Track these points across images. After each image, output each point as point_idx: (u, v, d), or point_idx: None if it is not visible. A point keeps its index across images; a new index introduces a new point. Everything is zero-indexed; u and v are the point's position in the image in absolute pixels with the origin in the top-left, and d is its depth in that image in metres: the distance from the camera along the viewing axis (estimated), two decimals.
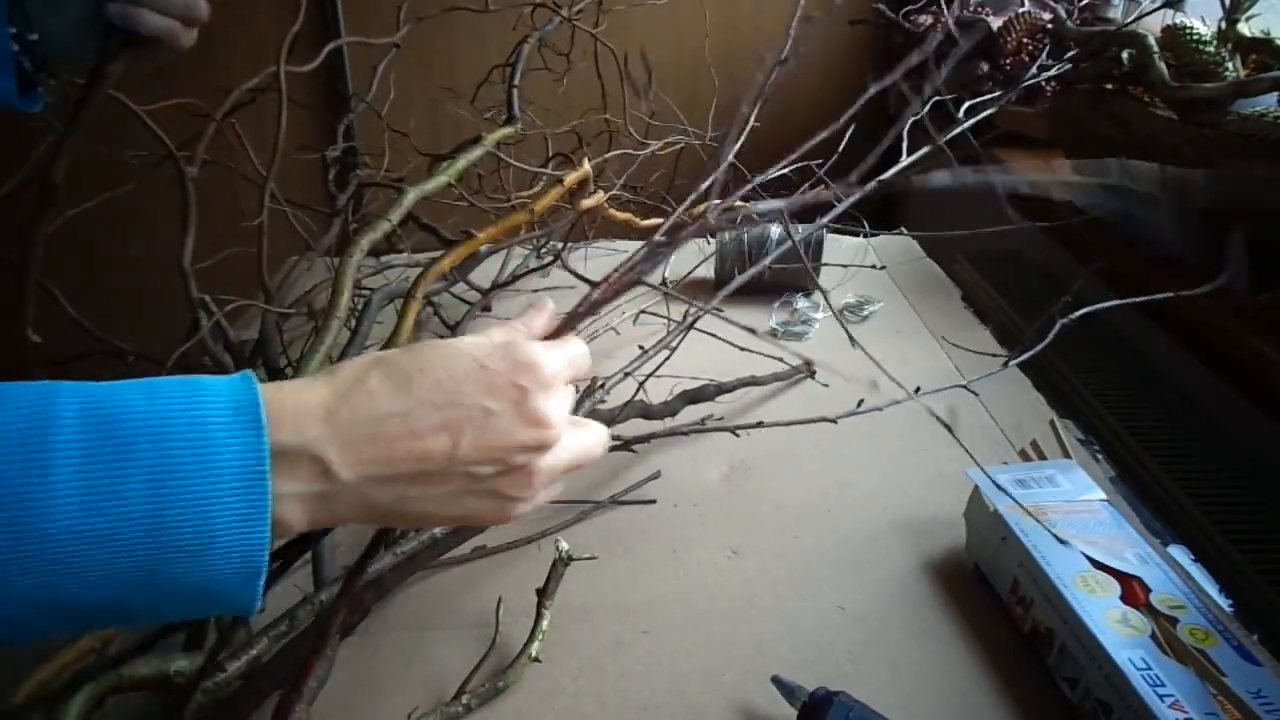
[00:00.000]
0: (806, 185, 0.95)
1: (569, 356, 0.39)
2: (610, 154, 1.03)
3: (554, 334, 0.42)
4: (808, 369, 0.86)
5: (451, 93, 1.09)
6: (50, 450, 0.28)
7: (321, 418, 0.33)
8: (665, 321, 0.84)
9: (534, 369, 0.36)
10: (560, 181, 0.76)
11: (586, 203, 0.90)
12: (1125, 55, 0.86)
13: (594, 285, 0.44)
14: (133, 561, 0.29)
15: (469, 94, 1.05)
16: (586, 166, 0.78)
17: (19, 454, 0.28)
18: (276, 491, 0.31)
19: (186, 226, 0.70)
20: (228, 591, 0.31)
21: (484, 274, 1.04)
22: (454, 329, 0.91)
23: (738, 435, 0.69)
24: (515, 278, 1.04)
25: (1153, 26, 0.84)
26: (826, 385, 0.84)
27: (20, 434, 0.28)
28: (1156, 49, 0.80)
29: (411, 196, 0.69)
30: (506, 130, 0.75)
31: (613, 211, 0.98)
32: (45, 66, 0.60)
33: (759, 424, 0.67)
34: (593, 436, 0.41)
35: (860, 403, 0.67)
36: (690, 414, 0.76)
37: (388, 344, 0.55)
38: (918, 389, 0.67)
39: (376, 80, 1.03)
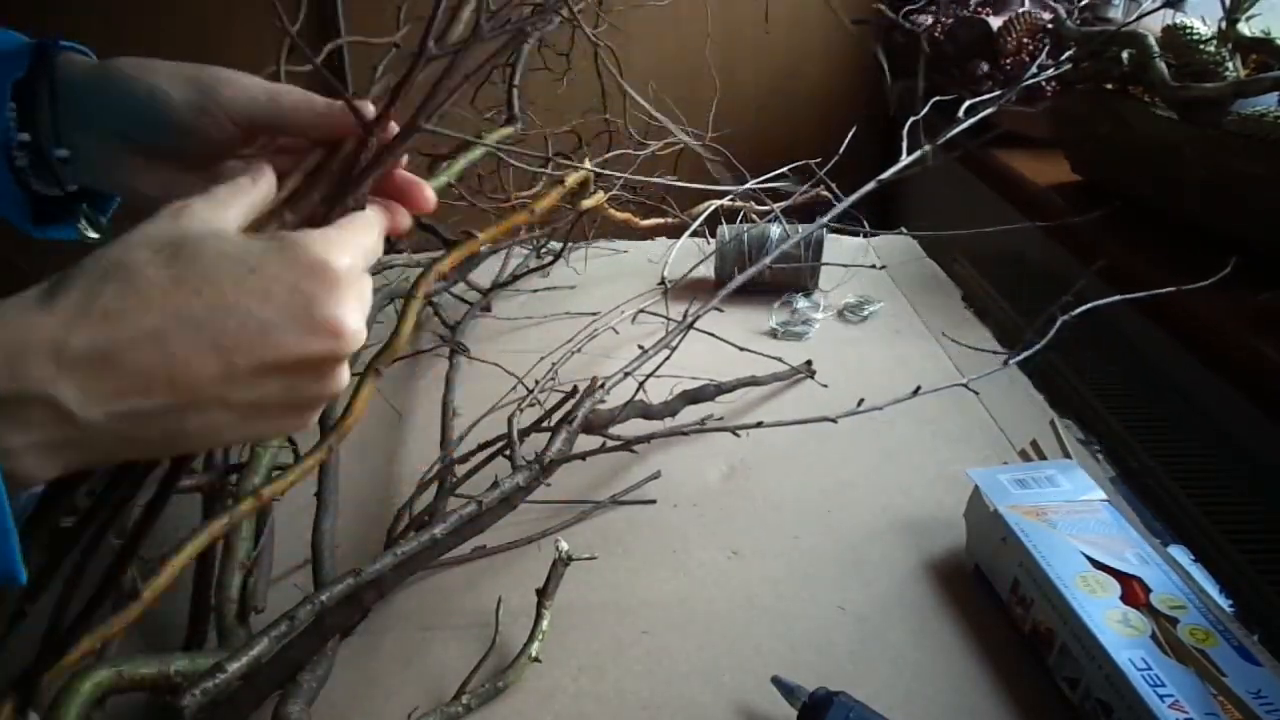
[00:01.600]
0: (808, 185, 0.95)
1: (361, 244, 0.33)
2: (610, 154, 1.03)
3: (330, 211, 0.35)
4: (807, 369, 0.86)
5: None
6: None
7: (47, 353, 0.27)
8: (664, 321, 0.83)
9: (320, 269, 0.30)
10: (561, 182, 0.76)
11: (586, 203, 0.90)
12: (1125, 55, 0.86)
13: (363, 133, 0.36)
14: None
15: (469, 94, 1.05)
16: (588, 167, 0.78)
17: None
18: (4, 447, 0.26)
19: None
20: None
21: (486, 272, 1.05)
22: (454, 328, 0.91)
23: (738, 435, 0.69)
24: (515, 277, 1.04)
25: (1153, 26, 0.84)
26: (825, 385, 0.84)
27: None
28: (1157, 49, 0.80)
29: None
30: (506, 130, 0.75)
31: (612, 211, 0.98)
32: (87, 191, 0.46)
33: (759, 424, 0.67)
34: (375, 251, 0.34)
35: (860, 402, 0.67)
36: (690, 414, 0.76)
37: (387, 347, 0.54)
38: (918, 388, 0.67)
39: (377, 80, 1.02)
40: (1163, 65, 0.79)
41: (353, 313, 0.31)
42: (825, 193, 0.87)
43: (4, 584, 0.28)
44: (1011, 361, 0.66)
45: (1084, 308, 0.64)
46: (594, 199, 0.92)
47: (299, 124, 0.40)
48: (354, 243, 0.32)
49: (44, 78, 0.43)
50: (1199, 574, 0.56)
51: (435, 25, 0.36)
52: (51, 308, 0.27)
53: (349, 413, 0.52)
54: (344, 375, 0.32)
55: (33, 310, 0.27)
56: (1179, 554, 0.57)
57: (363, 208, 0.35)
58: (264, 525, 0.61)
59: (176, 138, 0.40)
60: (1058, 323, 0.64)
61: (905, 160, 0.84)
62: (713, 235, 1.04)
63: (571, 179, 0.76)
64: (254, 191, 0.34)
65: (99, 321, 0.27)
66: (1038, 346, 0.64)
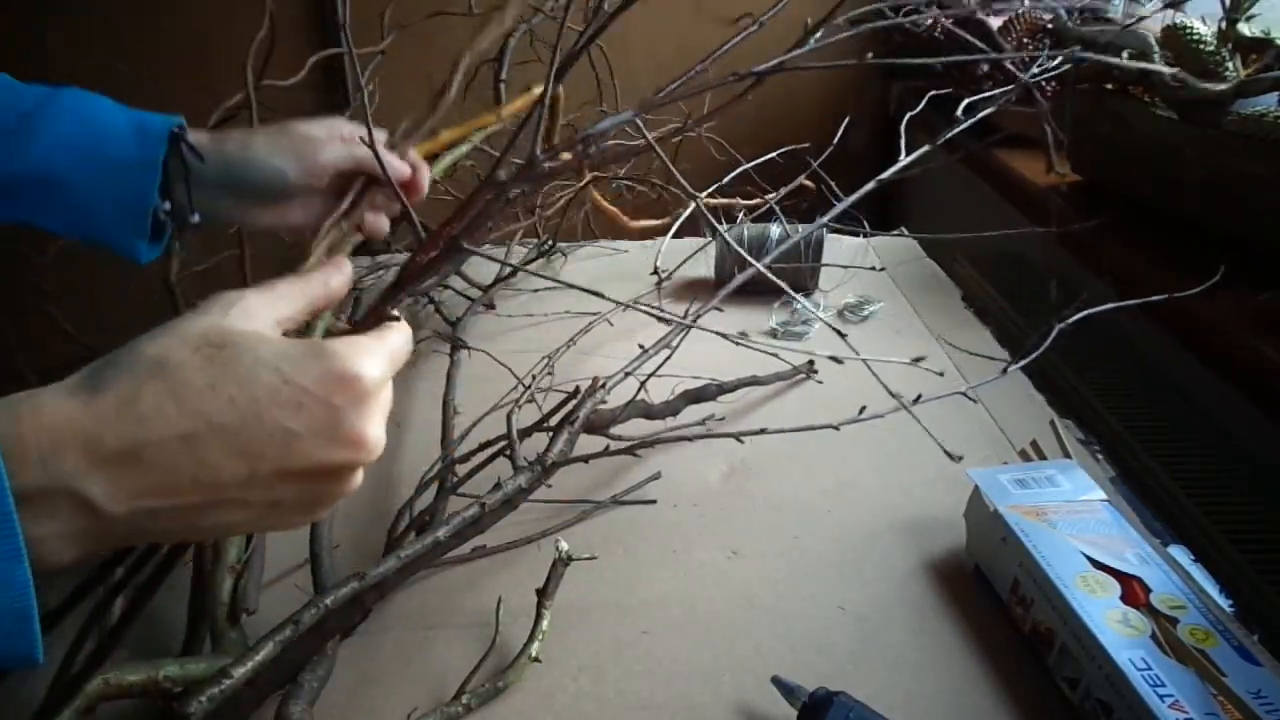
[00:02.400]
0: (801, 177, 0.95)
1: (390, 354, 0.34)
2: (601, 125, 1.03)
3: (369, 317, 0.36)
4: (809, 369, 0.86)
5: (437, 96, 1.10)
6: None
7: (81, 449, 0.28)
8: (664, 321, 0.83)
9: (351, 383, 0.32)
10: (529, 88, 0.76)
11: (565, 155, 0.90)
12: (1125, 55, 0.86)
13: (417, 249, 0.39)
14: None
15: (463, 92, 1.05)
16: (559, 89, 0.78)
17: None
18: (31, 535, 0.27)
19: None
20: (2, 640, 0.27)
21: (487, 272, 1.05)
22: (455, 325, 0.91)
23: (741, 442, 0.69)
24: (513, 271, 1.04)
25: (1153, 26, 0.84)
26: (821, 382, 0.84)
27: None
28: (1157, 49, 0.80)
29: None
30: (494, 126, 0.75)
31: (598, 196, 0.98)
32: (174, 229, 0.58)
33: (762, 430, 0.67)
34: (402, 358, 0.36)
35: (862, 410, 0.67)
36: (692, 414, 0.76)
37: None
38: (918, 397, 0.67)
39: (365, 84, 1.02)
40: (1163, 65, 0.79)
41: (376, 426, 0.33)
42: (825, 192, 0.86)
43: (23, 667, 0.28)
44: (1012, 369, 0.66)
45: (1082, 314, 0.64)
46: (567, 158, 0.92)
47: (367, 168, 0.58)
48: (385, 353, 0.34)
49: (177, 155, 0.55)
50: (1199, 574, 0.56)
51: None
52: (89, 402, 0.28)
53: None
54: (359, 479, 0.34)
55: (70, 402, 0.28)
56: (1179, 554, 0.57)
57: (398, 318, 0.37)
58: None
59: (290, 194, 0.57)
60: (1054, 331, 0.63)
61: (906, 159, 0.84)
62: (712, 234, 1.04)
63: (537, 89, 0.76)
64: (317, 292, 0.37)
65: (134, 423, 0.28)
66: (1036, 354, 0.64)
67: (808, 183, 0.96)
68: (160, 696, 0.46)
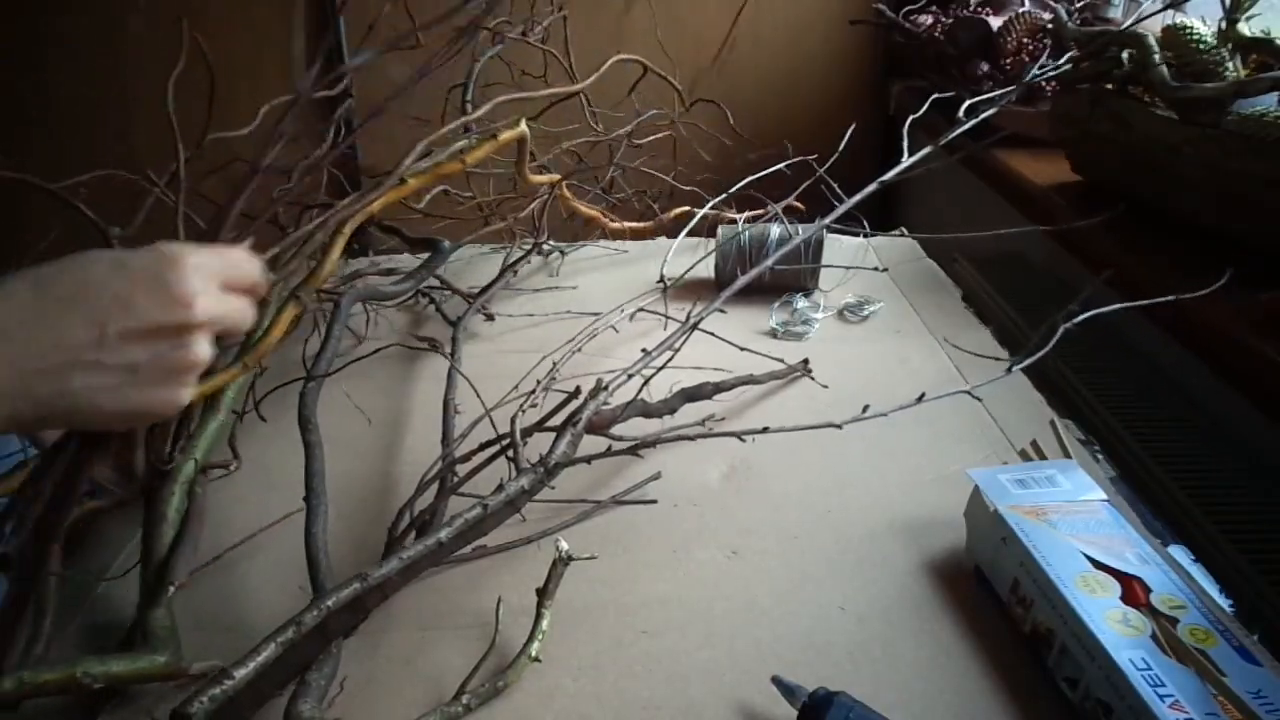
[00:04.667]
0: (809, 183, 0.95)
1: (223, 256, 0.42)
2: (576, 141, 1.03)
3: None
4: (804, 368, 0.86)
5: (421, 120, 1.10)
6: None
7: None
8: (663, 319, 0.83)
9: (175, 258, 0.40)
10: (494, 137, 0.76)
11: (538, 179, 0.90)
12: (1125, 55, 0.86)
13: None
14: None
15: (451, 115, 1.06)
16: (522, 126, 0.78)
17: None
18: None
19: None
20: None
21: (488, 273, 1.05)
22: (455, 324, 0.91)
23: (744, 440, 0.69)
24: (504, 271, 1.04)
25: (1152, 26, 0.84)
26: (826, 386, 0.84)
27: None
28: (1157, 49, 0.80)
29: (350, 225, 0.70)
30: (460, 143, 0.76)
31: (566, 194, 0.98)
32: None
33: (764, 429, 0.67)
34: (246, 310, 0.44)
35: (866, 408, 0.67)
36: (691, 413, 0.76)
37: (311, 276, 0.61)
38: (922, 395, 0.67)
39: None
40: (1163, 66, 0.79)
41: (202, 293, 0.40)
42: (826, 193, 0.87)
43: None
44: (1015, 369, 0.66)
45: (1085, 315, 0.64)
46: (547, 177, 0.92)
47: None
48: (214, 253, 0.42)
49: None
50: (1199, 574, 0.56)
51: None
52: None
53: (268, 334, 0.59)
54: (202, 346, 0.41)
55: None
56: (1179, 554, 0.57)
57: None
58: (192, 505, 0.60)
59: None
60: (1059, 331, 0.63)
61: (908, 161, 0.84)
62: (712, 235, 1.04)
63: (505, 135, 0.76)
64: (233, 254, 0.44)
65: (4, 305, 0.37)
66: (1040, 354, 0.64)
67: (797, 204, 0.97)
68: (81, 694, 0.46)
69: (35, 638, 0.50)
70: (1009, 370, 0.65)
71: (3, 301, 0.37)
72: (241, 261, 0.44)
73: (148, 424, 0.44)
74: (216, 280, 0.42)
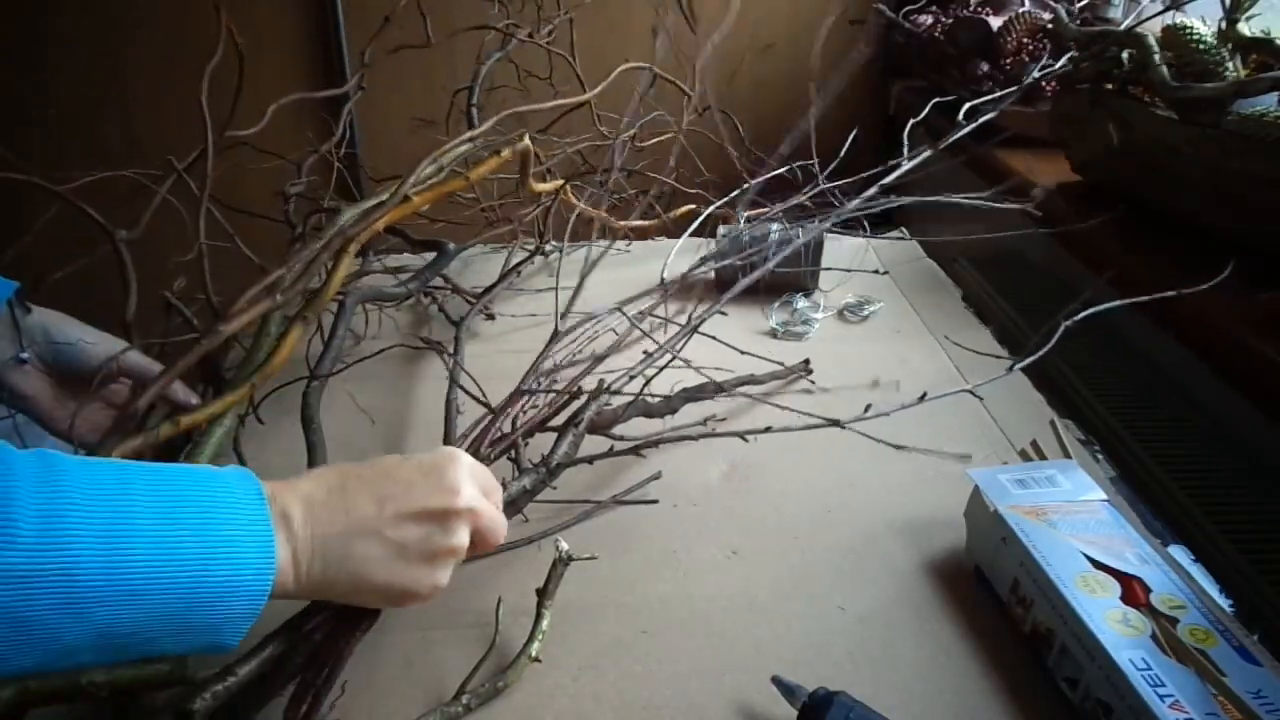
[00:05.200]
0: (809, 190, 0.95)
1: (487, 479, 0.50)
2: (581, 143, 1.03)
3: None
4: (804, 368, 0.86)
5: (424, 123, 1.10)
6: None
7: (287, 490, 0.43)
8: (665, 321, 0.83)
9: (453, 456, 0.47)
10: (498, 152, 0.77)
11: (542, 187, 0.90)
12: (1125, 55, 0.86)
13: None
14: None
15: (456, 116, 1.06)
16: (526, 141, 0.78)
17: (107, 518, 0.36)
18: (276, 536, 0.41)
19: (127, 284, 0.70)
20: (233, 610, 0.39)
21: (489, 273, 1.05)
22: (458, 324, 0.92)
23: (746, 440, 0.69)
24: (507, 273, 1.04)
25: (1152, 26, 0.84)
26: (821, 389, 0.84)
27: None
28: (1157, 49, 0.80)
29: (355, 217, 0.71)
30: (465, 148, 0.76)
31: (571, 198, 0.98)
32: None
33: (767, 429, 0.67)
34: (500, 520, 0.49)
35: (868, 408, 0.67)
36: (693, 414, 0.76)
37: (316, 296, 0.65)
38: (924, 395, 0.67)
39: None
40: (1163, 66, 0.79)
41: (469, 485, 0.46)
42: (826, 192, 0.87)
43: (215, 651, 0.40)
44: (1016, 368, 0.66)
45: (1087, 312, 0.64)
46: (551, 185, 0.93)
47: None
48: (482, 470, 0.49)
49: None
50: (1199, 574, 0.56)
51: None
52: (305, 477, 0.45)
53: (275, 353, 0.62)
54: (462, 534, 0.46)
55: (293, 478, 0.45)
56: (1179, 554, 0.57)
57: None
58: None
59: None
60: (1060, 329, 0.63)
61: (908, 164, 0.84)
62: (712, 235, 1.04)
63: (507, 151, 0.76)
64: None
65: (319, 480, 0.45)
66: (1041, 353, 0.64)
67: (804, 201, 0.96)
68: (87, 701, 0.46)
69: None
70: (1010, 369, 0.66)
71: (319, 480, 0.44)
72: (498, 499, 0.51)
73: (407, 605, 0.46)
74: (482, 484, 0.48)
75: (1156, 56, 0.79)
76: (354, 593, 0.44)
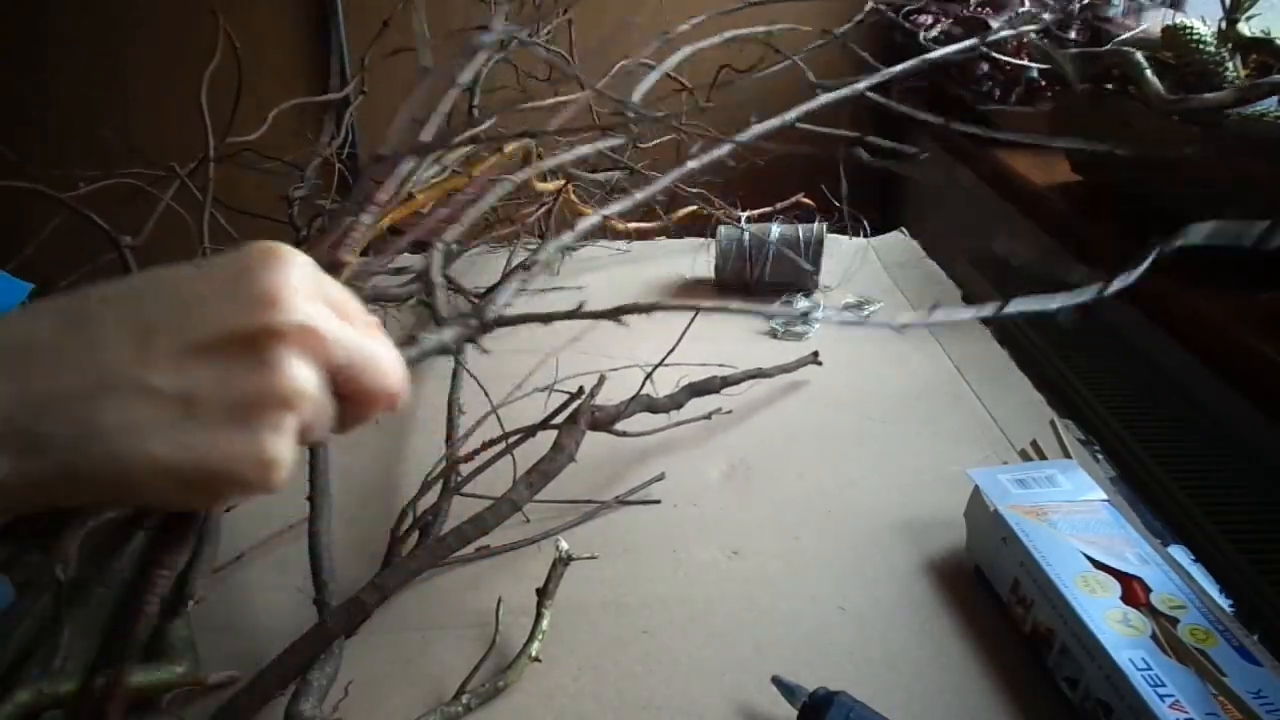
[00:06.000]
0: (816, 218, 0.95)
1: (323, 275, 0.29)
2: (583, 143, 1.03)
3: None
4: (814, 359, 0.86)
5: (422, 124, 1.11)
6: None
7: None
8: (666, 321, 0.83)
9: (270, 252, 0.28)
10: (500, 150, 0.77)
11: (545, 186, 0.90)
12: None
13: None
14: None
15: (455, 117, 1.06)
16: (528, 140, 0.78)
17: None
18: None
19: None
20: None
21: (490, 273, 1.05)
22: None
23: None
24: (510, 273, 1.04)
25: (1152, 29, 0.84)
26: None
27: None
28: (1145, 65, 0.80)
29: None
30: (465, 149, 0.76)
31: (573, 197, 0.98)
32: None
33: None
34: (382, 349, 0.30)
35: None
36: (697, 409, 0.76)
37: None
38: (935, 305, 0.65)
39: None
40: (1154, 80, 0.78)
41: (299, 293, 0.27)
42: (826, 193, 0.87)
43: None
44: (1108, 292, 0.56)
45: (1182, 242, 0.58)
46: (554, 184, 0.93)
47: None
48: (328, 280, 0.29)
49: None
50: (1199, 574, 0.56)
51: None
52: (16, 311, 0.27)
53: None
54: (292, 367, 0.27)
55: (7, 314, 0.27)
56: (1179, 554, 0.57)
57: None
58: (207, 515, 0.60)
59: None
60: (1154, 254, 0.56)
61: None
62: (712, 235, 1.04)
63: (511, 147, 0.76)
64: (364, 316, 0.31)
65: (31, 316, 0.26)
66: (1138, 273, 0.55)
67: (806, 200, 0.97)
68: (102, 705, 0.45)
69: (52, 650, 0.50)
70: (1100, 293, 0.56)
71: (38, 314, 0.26)
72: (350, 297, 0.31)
73: (226, 499, 0.28)
74: (327, 297, 0.29)
75: (1147, 72, 0.79)
76: (120, 486, 0.26)
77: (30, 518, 0.30)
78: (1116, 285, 0.52)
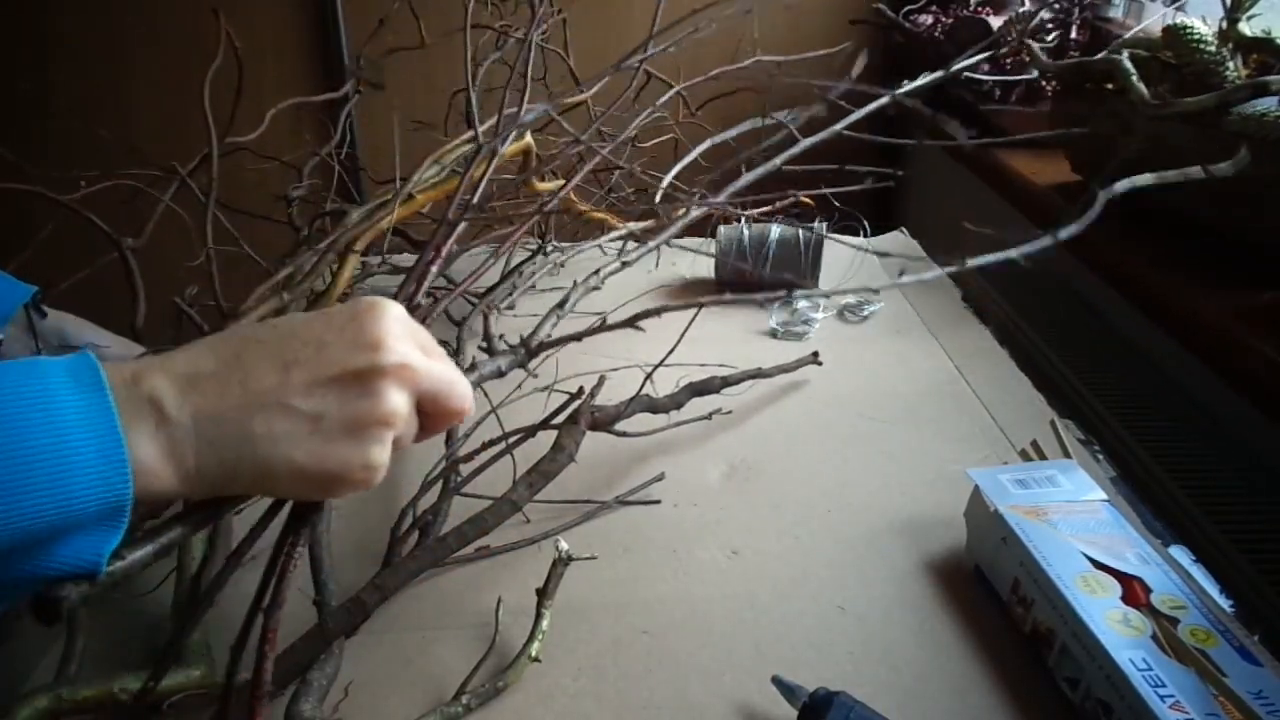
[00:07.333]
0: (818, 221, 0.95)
1: (417, 327, 0.39)
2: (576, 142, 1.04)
3: None
4: (814, 358, 0.86)
5: (424, 125, 1.11)
6: None
7: (158, 368, 0.34)
8: (666, 320, 0.83)
9: (376, 305, 0.37)
10: (496, 152, 0.77)
11: (545, 186, 0.90)
12: (1126, 55, 0.86)
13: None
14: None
15: (454, 117, 1.06)
16: (527, 139, 0.78)
17: None
18: (124, 424, 0.31)
19: (135, 291, 0.70)
20: (86, 528, 0.31)
21: (490, 274, 1.04)
22: (460, 324, 0.92)
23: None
24: (509, 273, 1.04)
25: (1152, 29, 0.84)
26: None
27: None
28: (1132, 70, 0.80)
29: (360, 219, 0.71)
30: (466, 148, 0.76)
31: (573, 197, 0.98)
32: None
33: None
34: (457, 377, 0.39)
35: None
36: (696, 411, 0.76)
37: (323, 295, 0.63)
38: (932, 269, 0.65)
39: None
40: (1141, 86, 0.78)
41: (396, 338, 0.36)
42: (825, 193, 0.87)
43: (88, 567, 0.32)
44: (1061, 237, 0.57)
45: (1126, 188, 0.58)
46: (554, 185, 0.93)
47: None
48: (417, 325, 0.39)
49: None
50: (1199, 574, 0.56)
51: None
52: (186, 348, 0.36)
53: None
54: (392, 397, 0.36)
55: (166, 352, 0.35)
56: (1179, 554, 0.57)
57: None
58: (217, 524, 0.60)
59: None
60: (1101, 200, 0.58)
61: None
62: (712, 235, 1.04)
63: (510, 148, 0.76)
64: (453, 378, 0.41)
65: (196, 350, 0.35)
66: (1088, 219, 0.57)
67: (806, 200, 0.96)
68: (120, 710, 0.45)
69: (69, 656, 0.50)
70: (1053, 239, 0.57)
71: (203, 351, 0.35)
72: (433, 350, 0.40)
73: (340, 492, 0.37)
74: (416, 338, 0.38)
75: (1134, 79, 0.79)
76: (266, 482, 0.36)
77: (197, 505, 0.37)
78: (1065, 233, 0.56)
